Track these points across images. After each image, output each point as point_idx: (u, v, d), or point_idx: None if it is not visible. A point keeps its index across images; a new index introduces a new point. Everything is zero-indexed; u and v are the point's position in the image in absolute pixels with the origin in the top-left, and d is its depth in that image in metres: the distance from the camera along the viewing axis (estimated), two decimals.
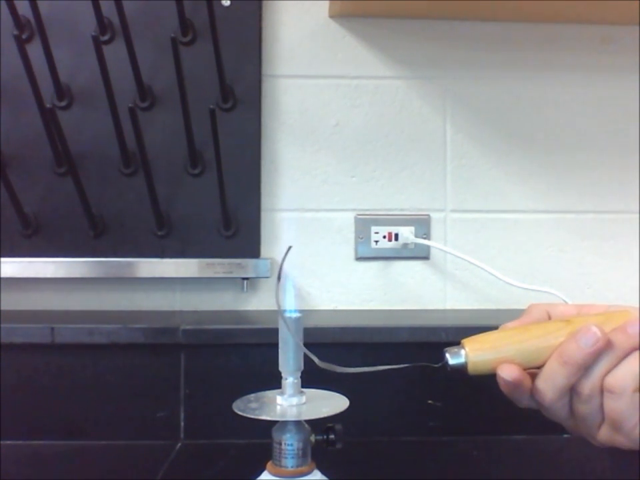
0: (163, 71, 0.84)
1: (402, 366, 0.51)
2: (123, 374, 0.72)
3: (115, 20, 0.80)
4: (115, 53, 0.81)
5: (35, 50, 0.77)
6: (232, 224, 0.85)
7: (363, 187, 0.90)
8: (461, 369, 0.48)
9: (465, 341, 0.48)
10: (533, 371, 0.47)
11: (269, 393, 0.49)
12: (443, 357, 0.48)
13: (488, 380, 0.73)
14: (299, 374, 0.47)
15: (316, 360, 0.46)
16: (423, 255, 0.90)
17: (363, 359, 0.73)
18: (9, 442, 0.69)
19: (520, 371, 0.46)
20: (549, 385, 0.45)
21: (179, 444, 0.71)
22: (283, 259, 0.50)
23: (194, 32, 0.85)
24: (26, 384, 0.71)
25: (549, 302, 0.53)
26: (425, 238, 0.89)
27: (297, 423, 0.46)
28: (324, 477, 0.47)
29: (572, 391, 0.46)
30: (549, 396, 0.45)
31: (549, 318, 0.51)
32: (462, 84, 0.91)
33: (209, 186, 0.84)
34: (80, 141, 0.83)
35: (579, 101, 0.92)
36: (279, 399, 0.47)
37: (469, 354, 0.47)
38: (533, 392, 0.47)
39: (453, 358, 0.48)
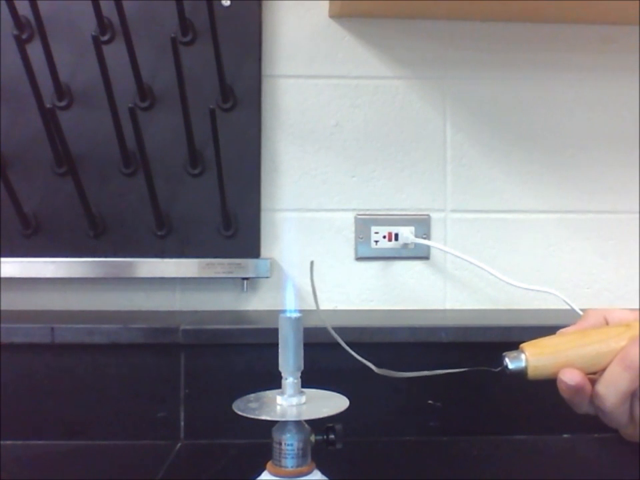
0: (163, 71, 0.84)
1: (460, 370, 0.51)
2: (123, 374, 0.72)
3: (115, 20, 0.80)
4: (115, 53, 0.81)
5: (35, 50, 0.77)
6: (232, 224, 0.85)
7: (363, 187, 0.90)
8: (521, 374, 0.48)
9: (524, 346, 0.49)
10: (592, 377, 0.47)
11: (269, 393, 0.49)
12: (501, 361, 0.49)
13: (488, 380, 0.73)
14: (299, 374, 0.47)
15: (373, 367, 0.46)
16: (423, 255, 0.90)
17: (363, 358, 0.73)
18: (8, 442, 0.69)
19: (582, 375, 0.46)
20: (611, 389, 0.45)
21: (179, 444, 0.71)
22: (311, 275, 0.50)
23: (194, 32, 0.85)
24: (26, 384, 0.71)
25: (604, 307, 0.53)
26: (425, 238, 0.89)
27: (297, 423, 0.46)
28: (324, 477, 0.47)
29: (633, 396, 0.45)
30: (610, 401, 0.45)
31: (606, 323, 0.50)
32: (462, 84, 0.91)
33: (209, 186, 0.84)
34: (80, 141, 0.83)
35: (579, 101, 0.92)
36: (279, 399, 0.47)
37: (529, 358, 0.47)
38: (592, 397, 0.46)
39: (513, 362, 0.48)
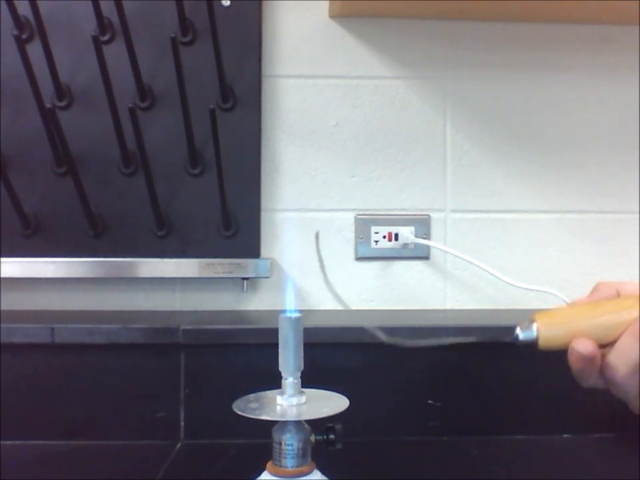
0: (163, 70, 0.84)
1: (470, 339, 0.51)
2: (123, 374, 0.72)
3: (115, 20, 0.80)
4: (115, 53, 0.82)
5: (35, 50, 0.77)
6: (232, 224, 0.85)
7: (363, 187, 0.90)
8: (532, 344, 0.48)
9: (536, 316, 0.48)
10: (600, 350, 0.47)
11: (269, 393, 0.49)
12: (513, 332, 0.49)
13: (488, 380, 0.73)
14: (299, 374, 0.47)
15: (383, 337, 0.46)
16: (423, 254, 0.90)
17: (363, 359, 0.73)
18: (8, 442, 0.69)
19: (595, 346, 0.46)
20: (622, 360, 0.45)
21: (179, 444, 0.71)
22: (317, 246, 0.50)
23: (194, 32, 0.85)
24: (26, 384, 0.71)
25: (617, 280, 0.52)
26: (425, 238, 0.89)
27: (297, 423, 0.46)
28: (324, 477, 0.47)
29: None
30: (622, 371, 0.45)
31: (618, 296, 0.50)
32: (462, 84, 0.91)
33: (209, 186, 0.84)
34: (80, 141, 0.83)
35: (579, 101, 0.92)
36: (279, 399, 0.47)
37: (541, 328, 0.47)
38: (603, 368, 0.46)
39: (524, 332, 0.48)
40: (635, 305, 0.47)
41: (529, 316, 0.49)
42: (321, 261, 0.49)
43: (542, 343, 0.48)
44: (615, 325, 0.47)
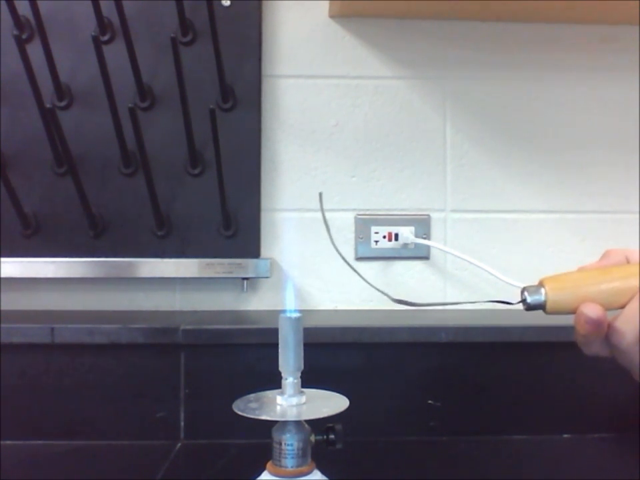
0: (163, 71, 0.84)
1: (479, 301, 0.52)
2: (123, 374, 0.72)
3: (115, 20, 0.80)
4: (115, 53, 0.81)
5: (35, 50, 0.77)
6: (232, 224, 0.85)
7: (363, 187, 0.90)
8: (539, 307, 0.48)
9: (545, 280, 0.48)
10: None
11: (269, 393, 0.49)
12: (521, 295, 0.48)
13: (488, 380, 0.73)
14: (299, 374, 0.47)
15: (390, 297, 0.46)
16: (423, 255, 0.90)
17: (363, 359, 0.73)
18: (8, 442, 0.69)
19: (603, 310, 0.45)
20: (630, 326, 0.45)
21: (179, 444, 0.71)
22: (322, 207, 0.50)
23: (194, 32, 0.85)
24: (26, 384, 0.71)
25: (626, 247, 0.52)
26: (425, 238, 0.89)
27: (297, 423, 0.46)
28: (324, 477, 0.47)
29: None
30: (628, 338, 0.45)
31: (627, 262, 0.50)
32: (462, 84, 0.91)
33: (209, 186, 0.84)
34: (80, 141, 0.83)
35: (579, 101, 0.92)
36: (279, 399, 0.47)
37: (549, 292, 0.47)
38: (609, 334, 0.46)
39: (532, 296, 0.48)
40: None
41: (538, 280, 0.49)
42: (326, 223, 0.49)
43: (550, 307, 0.47)
44: (623, 290, 0.46)
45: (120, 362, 0.72)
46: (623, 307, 0.46)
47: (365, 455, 0.68)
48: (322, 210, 0.49)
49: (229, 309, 0.89)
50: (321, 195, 0.49)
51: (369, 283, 0.48)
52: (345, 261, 0.47)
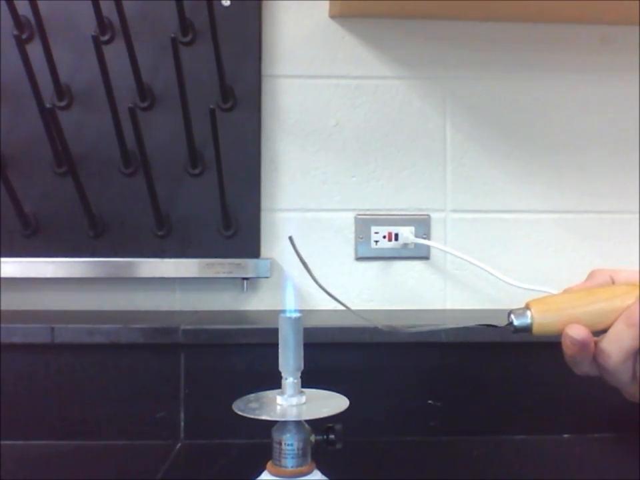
0: (163, 71, 0.84)
1: (465, 325, 0.51)
2: (123, 374, 0.72)
3: (115, 20, 0.80)
4: (115, 53, 0.81)
5: (35, 50, 0.77)
6: (232, 224, 0.85)
7: (363, 187, 0.90)
8: (526, 330, 0.48)
9: (531, 302, 0.49)
10: (594, 338, 0.47)
11: (269, 393, 0.49)
12: (507, 318, 0.49)
13: (488, 380, 0.73)
14: (299, 374, 0.47)
15: (379, 325, 0.47)
16: (423, 255, 0.90)
17: (363, 359, 0.73)
18: (8, 442, 0.69)
19: (588, 331, 0.46)
20: (615, 346, 0.46)
21: (179, 444, 0.71)
22: (295, 249, 0.50)
23: (194, 32, 0.85)
24: (26, 384, 0.71)
25: (612, 268, 0.53)
26: (425, 238, 0.89)
27: (297, 423, 0.46)
28: (324, 477, 0.47)
29: (637, 355, 0.46)
30: (614, 358, 0.46)
31: (613, 283, 0.51)
32: (462, 84, 0.91)
33: (209, 186, 0.84)
34: (80, 141, 0.83)
35: (579, 101, 0.92)
36: (279, 399, 0.47)
37: (535, 315, 0.48)
38: (596, 355, 0.47)
39: (519, 319, 0.48)
40: (628, 293, 0.47)
41: (524, 302, 0.50)
42: (303, 263, 0.49)
43: (536, 329, 0.48)
44: (608, 312, 0.47)
45: (120, 362, 0.72)
46: (608, 327, 0.47)
47: (365, 455, 0.68)
48: (297, 252, 0.49)
49: (229, 309, 0.89)
50: (291, 238, 0.49)
51: (347, 307, 0.48)
52: (323, 288, 0.47)
